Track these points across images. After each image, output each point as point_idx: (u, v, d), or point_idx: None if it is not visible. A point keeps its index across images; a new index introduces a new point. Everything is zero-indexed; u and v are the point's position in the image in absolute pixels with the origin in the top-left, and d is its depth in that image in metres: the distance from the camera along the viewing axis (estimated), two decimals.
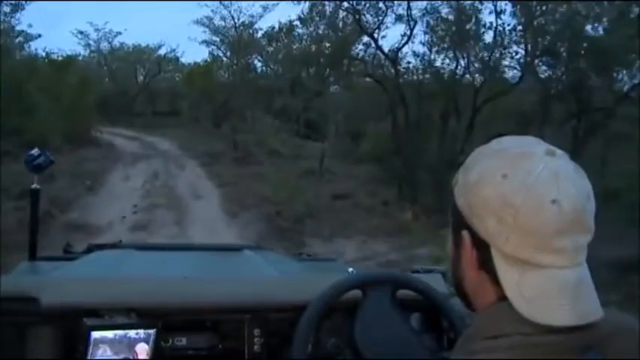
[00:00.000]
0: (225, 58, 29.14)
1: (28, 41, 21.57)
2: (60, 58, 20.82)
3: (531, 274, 0.79)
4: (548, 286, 0.78)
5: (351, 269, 1.95)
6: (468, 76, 13.94)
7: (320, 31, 24.53)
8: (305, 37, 25.09)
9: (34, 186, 2.10)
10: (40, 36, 21.66)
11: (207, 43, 28.36)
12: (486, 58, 13.24)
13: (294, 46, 24.70)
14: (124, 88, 33.39)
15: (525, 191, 0.78)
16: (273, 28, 25.18)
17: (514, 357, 0.77)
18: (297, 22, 24.81)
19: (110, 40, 33.51)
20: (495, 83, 13.34)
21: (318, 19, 24.76)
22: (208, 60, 29.25)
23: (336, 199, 11.90)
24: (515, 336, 0.78)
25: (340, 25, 23.97)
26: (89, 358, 1.34)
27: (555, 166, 0.79)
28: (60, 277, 1.78)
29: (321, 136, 23.37)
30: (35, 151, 2.04)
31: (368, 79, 25.31)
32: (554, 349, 0.78)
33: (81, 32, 32.66)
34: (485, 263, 0.83)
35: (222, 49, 28.41)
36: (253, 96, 24.61)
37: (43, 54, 21.29)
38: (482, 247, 0.83)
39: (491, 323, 0.82)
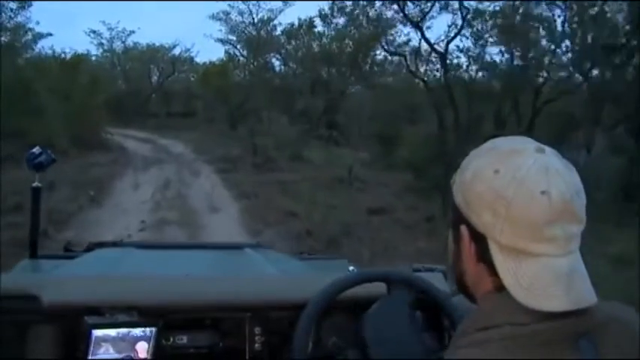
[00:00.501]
0: (241, 57, 27.61)
1: (37, 39, 20.02)
2: (69, 57, 19.17)
3: (526, 263, 0.80)
4: (543, 274, 0.79)
5: (351, 268, 1.89)
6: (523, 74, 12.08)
7: (342, 28, 22.93)
8: (326, 34, 23.53)
9: (35, 184, 2.02)
10: (50, 34, 20.12)
11: (222, 41, 26.82)
12: (547, 54, 11.48)
13: (315, 44, 23.10)
14: (138, 89, 31.95)
15: (516, 184, 0.80)
16: (293, 25, 23.64)
17: (505, 348, 0.77)
18: (318, 19, 23.33)
19: (123, 39, 32.17)
20: (556, 81, 11.56)
21: (339, 15, 23.18)
22: (224, 59, 27.66)
23: (372, 214, 10.18)
24: (505, 326, 0.79)
25: (364, 21, 22.32)
26: (90, 356, 1.29)
27: (545, 162, 0.82)
28: (61, 275, 1.73)
29: (344, 138, 21.73)
30: (36, 150, 1.97)
31: (390, 79, 23.70)
32: (545, 337, 0.78)
33: (94, 31, 31.34)
34: (483, 255, 0.84)
35: (238, 47, 26.85)
36: (271, 96, 23.00)
37: (51, 52, 19.58)
38: (479, 240, 0.85)
39: (483, 315, 0.84)
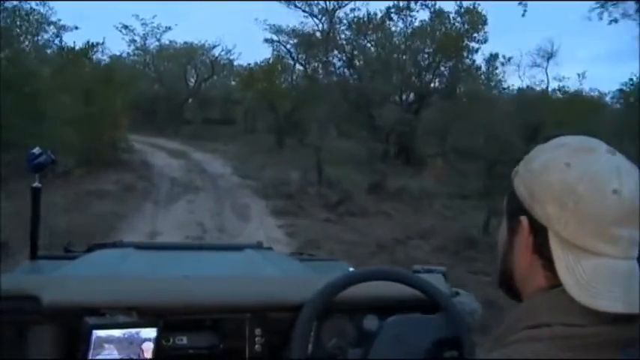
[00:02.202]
0: (291, 60, 22.58)
1: (42, 28, 14.99)
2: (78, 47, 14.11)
3: (586, 261, 0.74)
4: (602, 273, 0.74)
5: (351, 269, 1.84)
6: None
7: (423, 24, 17.76)
8: (398, 32, 18.38)
9: (35, 184, 1.93)
10: (77, 28, 15.00)
11: (271, 41, 21.82)
12: None
13: (387, 43, 17.93)
14: (173, 92, 27.11)
15: (588, 179, 0.75)
16: (360, 18, 18.50)
17: (555, 348, 0.72)
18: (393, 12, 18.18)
19: (158, 36, 27.42)
20: None
21: (419, 7, 18.02)
22: (271, 60, 22.62)
23: None
24: (556, 326, 0.74)
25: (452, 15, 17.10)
26: (90, 356, 1.22)
27: (617, 162, 0.77)
28: (61, 275, 1.63)
29: (424, 162, 16.50)
30: (36, 150, 1.87)
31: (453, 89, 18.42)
32: (597, 341, 0.73)
33: (126, 27, 26.70)
34: (541, 248, 0.78)
35: (288, 47, 21.81)
36: (330, 105, 17.88)
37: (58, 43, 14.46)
38: (539, 232, 0.78)
39: (534, 312, 0.77)
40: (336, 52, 18.01)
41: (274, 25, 20.59)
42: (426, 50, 17.34)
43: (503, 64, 19.23)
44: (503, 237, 0.87)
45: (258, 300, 1.45)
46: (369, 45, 17.68)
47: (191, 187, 11.80)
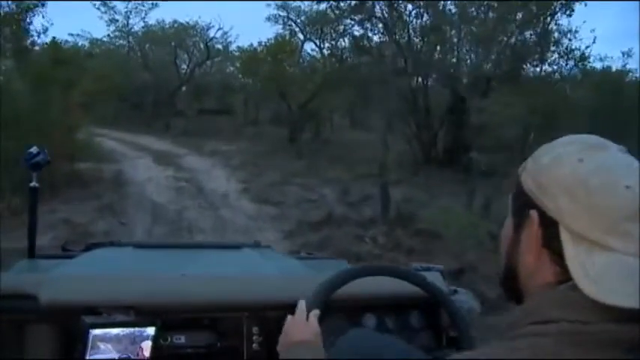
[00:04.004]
0: (300, 39, 18.06)
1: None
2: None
3: (597, 256, 0.71)
4: (614, 268, 0.70)
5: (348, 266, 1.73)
6: None
7: None
8: None
9: (32, 184, 1.84)
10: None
11: (276, 18, 17.27)
12: None
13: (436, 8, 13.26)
14: (162, 80, 22.33)
15: (601, 173, 0.72)
16: None
17: (561, 343, 0.69)
18: None
19: (143, 15, 22.56)
20: None
21: None
22: (279, 39, 17.99)
23: None
24: (562, 323, 0.70)
25: None
26: (88, 356, 1.18)
27: (629, 159, 0.75)
28: (59, 274, 1.56)
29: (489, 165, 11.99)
30: (34, 149, 1.78)
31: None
32: (602, 339, 0.69)
33: (104, 4, 21.83)
34: (550, 241, 0.74)
35: (299, 22, 17.21)
36: (359, 91, 13.27)
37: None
38: (549, 226, 0.74)
39: (541, 308, 0.73)
40: (362, 25, 13.30)
41: None
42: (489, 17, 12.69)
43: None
44: (508, 234, 0.82)
45: (256, 299, 1.41)
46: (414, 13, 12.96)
47: (182, 226, 7.22)
